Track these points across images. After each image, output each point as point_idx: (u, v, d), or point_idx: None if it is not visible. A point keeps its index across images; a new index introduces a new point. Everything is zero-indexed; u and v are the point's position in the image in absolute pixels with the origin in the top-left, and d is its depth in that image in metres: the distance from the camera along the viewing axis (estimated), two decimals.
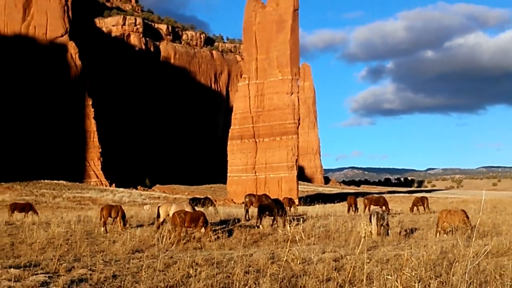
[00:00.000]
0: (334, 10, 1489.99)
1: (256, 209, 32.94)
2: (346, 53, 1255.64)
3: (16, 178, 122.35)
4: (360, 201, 47.11)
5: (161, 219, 26.84)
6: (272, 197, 38.89)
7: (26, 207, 39.86)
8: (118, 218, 29.14)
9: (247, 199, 38.84)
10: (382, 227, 24.46)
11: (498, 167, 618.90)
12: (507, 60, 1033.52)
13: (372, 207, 42.14)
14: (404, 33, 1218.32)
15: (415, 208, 46.26)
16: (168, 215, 26.87)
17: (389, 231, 24.65)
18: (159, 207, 27.99)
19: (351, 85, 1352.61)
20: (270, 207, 30.91)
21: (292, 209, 46.68)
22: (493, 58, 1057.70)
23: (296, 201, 60.19)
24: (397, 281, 11.30)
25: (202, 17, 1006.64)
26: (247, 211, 37.19)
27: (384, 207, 41.45)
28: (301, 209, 45.73)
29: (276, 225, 29.31)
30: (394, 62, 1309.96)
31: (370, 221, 24.57)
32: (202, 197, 51.33)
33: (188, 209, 26.78)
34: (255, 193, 78.92)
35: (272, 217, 30.55)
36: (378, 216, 24.59)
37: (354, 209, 44.99)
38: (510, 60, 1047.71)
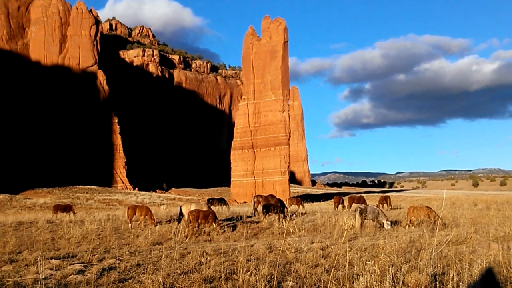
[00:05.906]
0: (322, 42, 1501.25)
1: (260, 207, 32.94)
2: (332, 77, 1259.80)
3: (55, 184, 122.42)
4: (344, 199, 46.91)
5: (185, 217, 26.03)
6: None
7: (67, 208, 39.89)
8: (142, 217, 29.05)
9: (255, 199, 38.47)
10: (370, 220, 24.76)
11: (456, 170, 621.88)
12: (465, 81, 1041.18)
13: (354, 204, 42.09)
14: (380, 59, 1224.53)
15: (380, 205, 46.11)
16: None
17: (385, 221, 24.47)
18: (181, 206, 27.63)
19: (335, 103, 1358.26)
20: (272, 206, 30.72)
21: (300, 207, 46.22)
22: (453, 80, 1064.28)
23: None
24: (374, 266, 11.30)
25: (214, 49, 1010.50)
26: (255, 209, 36.92)
27: (363, 205, 41.39)
28: (293, 207, 45.36)
29: (276, 220, 29.12)
30: (371, 84, 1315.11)
31: (355, 216, 24.58)
32: (218, 197, 50.96)
33: (205, 208, 26.59)
34: (254, 194, 78.24)
35: (274, 214, 30.38)
36: (361, 211, 24.63)
37: (342, 206, 44.63)
38: (467, 81, 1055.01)
